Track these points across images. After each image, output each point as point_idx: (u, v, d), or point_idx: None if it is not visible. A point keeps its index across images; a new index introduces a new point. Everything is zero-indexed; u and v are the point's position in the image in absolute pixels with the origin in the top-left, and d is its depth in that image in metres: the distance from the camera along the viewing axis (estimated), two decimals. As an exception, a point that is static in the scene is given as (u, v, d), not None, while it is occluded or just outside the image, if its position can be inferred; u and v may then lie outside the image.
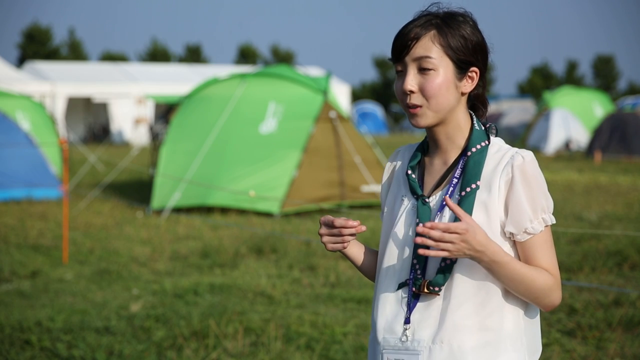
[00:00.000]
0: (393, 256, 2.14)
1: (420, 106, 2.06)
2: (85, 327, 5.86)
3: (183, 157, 12.33)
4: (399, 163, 2.25)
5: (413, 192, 2.14)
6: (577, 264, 7.76)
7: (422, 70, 2.05)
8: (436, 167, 2.15)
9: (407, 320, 2.08)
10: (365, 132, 30.44)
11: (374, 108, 48.20)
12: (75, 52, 61.66)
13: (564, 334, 5.69)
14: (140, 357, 5.28)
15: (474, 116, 2.14)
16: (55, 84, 34.46)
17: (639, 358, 5.18)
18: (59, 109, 34.01)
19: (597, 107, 30.08)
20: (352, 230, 2.12)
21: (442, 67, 2.05)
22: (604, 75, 72.78)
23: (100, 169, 20.45)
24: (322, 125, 12.39)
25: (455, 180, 2.09)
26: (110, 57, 60.99)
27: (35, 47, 60.19)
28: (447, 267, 2.04)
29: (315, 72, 34.91)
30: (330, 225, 2.15)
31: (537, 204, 2.04)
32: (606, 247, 8.48)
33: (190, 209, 11.93)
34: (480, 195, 2.05)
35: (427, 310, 2.06)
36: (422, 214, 2.09)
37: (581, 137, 26.58)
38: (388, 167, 2.29)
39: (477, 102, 2.17)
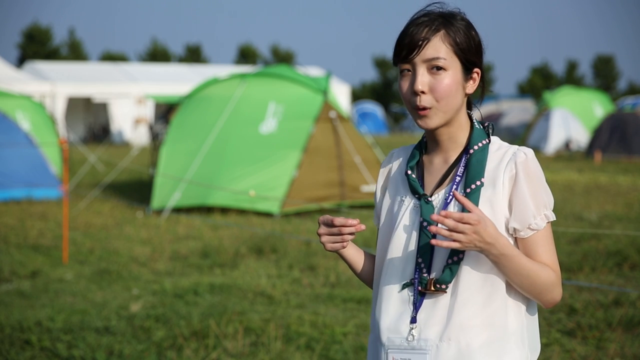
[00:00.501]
0: (396, 256, 2.13)
1: (430, 107, 2.06)
2: (85, 327, 5.86)
3: (183, 157, 12.34)
4: (395, 166, 2.24)
5: (414, 192, 2.13)
6: (577, 264, 7.76)
7: (433, 70, 2.05)
8: (436, 166, 2.15)
9: (413, 320, 2.07)
10: (365, 132, 30.44)
11: (374, 108, 48.21)
12: (75, 52, 61.67)
13: (564, 334, 5.69)
14: (140, 357, 5.28)
15: (472, 116, 2.16)
16: (55, 84, 34.46)
17: (639, 358, 5.18)
18: (59, 109, 34.01)
19: (597, 107, 30.07)
20: (352, 229, 2.11)
21: (452, 67, 2.05)
22: (604, 75, 72.80)
23: (100, 169, 20.45)
24: (322, 125, 12.39)
25: (458, 178, 2.09)
26: (110, 57, 61.00)
27: (35, 47, 60.20)
28: (454, 263, 2.04)
29: (315, 72, 34.91)
30: (330, 225, 2.14)
31: (539, 200, 2.05)
32: (606, 247, 8.48)
33: (190, 209, 11.93)
34: (485, 192, 2.06)
35: (433, 309, 2.06)
36: (425, 213, 2.09)
37: (581, 137, 26.58)
38: (383, 172, 2.27)
39: (469, 103, 2.18)
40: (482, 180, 2.06)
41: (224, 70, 34.71)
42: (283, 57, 67.80)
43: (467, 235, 1.92)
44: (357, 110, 46.52)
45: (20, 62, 57.35)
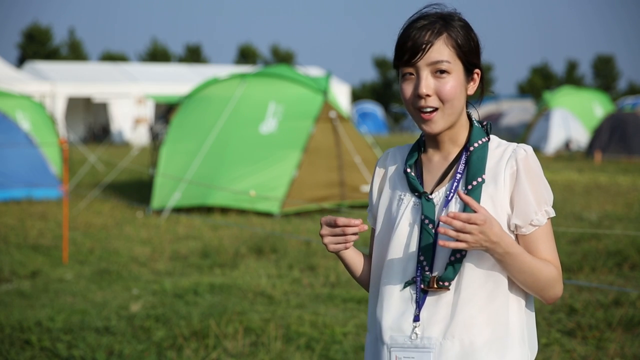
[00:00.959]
0: (397, 255, 2.13)
1: (436, 109, 2.06)
2: (85, 327, 5.86)
3: (183, 157, 12.33)
4: (391, 165, 2.24)
5: (414, 190, 2.13)
6: (577, 264, 7.76)
7: (437, 73, 2.05)
8: (436, 164, 2.15)
9: (416, 318, 2.07)
10: (365, 132, 30.44)
11: (374, 108, 48.21)
12: (75, 52, 61.68)
13: (564, 334, 5.69)
14: (140, 357, 5.28)
15: (471, 114, 2.17)
16: (55, 84, 34.46)
17: (639, 358, 5.18)
18: (59, 109, 34.01)
19: (597, 107, 30.07)
20: (355, 229, 2.10)
21: (456, 70, 2.06)
22: (604, 75, 72.80)
23: (100, 169, 20.45)
24: (322, 125, 12.39)
25: (459, 176, 2.09)
26: (110, 57, 61.01)
27: (35, 47, 60.20)
28: (457, 260, 2.04)
29: (315, 72, 34.91)
30: (333, 225, 2.13)
31: (540, 196, 2.07)
32: (606, 247, 8.48)
33: (190, 209, 11.93)
34: (486, 189, 2.07)
35: (436, 307, 2.06)
36: (427, 210, 2.09)
37: (581, 137, 26.58)
38: (378, 171, 2.26)
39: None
40: (484, 176, 2.06)
41: (224, 70, 34.71)
42: (283, 57, 67.80)
43: (474, 236, 1.92)
44: (357, 110, 46.52)
45: (20, 62, 57.36)
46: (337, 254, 2.21)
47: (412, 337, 2.07)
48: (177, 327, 5.78)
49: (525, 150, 2.08)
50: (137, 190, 15.09)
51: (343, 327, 5.84)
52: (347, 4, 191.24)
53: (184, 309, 6.39)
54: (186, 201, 11.80)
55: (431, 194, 2.12)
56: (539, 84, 69.57)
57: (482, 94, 2.17)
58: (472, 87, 2.12)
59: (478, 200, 2.04)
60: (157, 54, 64.69)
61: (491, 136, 2.15)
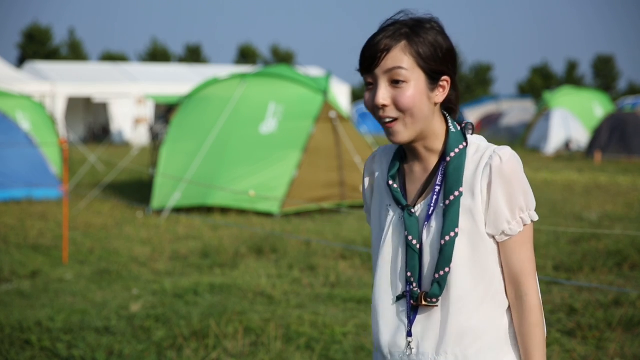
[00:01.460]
0: (387, 269, 2.13)
1: (397, 119, 2.01)
2: (85, 327, 5.86)
3: (183, 157, 12.34)
4: (378, 168, 2.22)
5: (397, 202, 2.11)
6: (577, 264, 7.76)
7: (394, 82, 2.00)
8: (417, 174, 2.12)
9: (409, 333, 2.08)
10: (365, 132, 30.46)
11: (374, 108, 48.14)
12: (75, 52, 61.67)
13: (564, 334, 5.69)
14: (140, 357, 5.28)
15: (448, 118, 2.10)
16: (55, 84, 34.46)
17: (639, 358, 5.18)
18: (59, 109, 34.01)
19: (597, 107, 30.08)
20: None
21: (414, 78, 1.99)
22: (604, 75, 72.79)
23: (100, 169, 20.45)
24: (322, 125, 12.39)
25: (437, 188, 2.06)
26: (110, 57, 61.01)
27: (35, 47, 60.20)
28: (441, 277, 2.03)
29: (315, 72, 34.92)
30: None
31: (514, 203, 2.03)
32: (606, 247, 8.48)
33: (190, 209, 11.93)
34: (464, 201, 2.04)
35: (428, 322, 2.07)
36: (410, 226, 2.07)
37: (581, 137, 26.58)
38: (367, 175, 2.25)
39: (450, 105, 2.12)
40: (461, 189, 2.03)
41: (224, 70, 34.72)
42: (283, 57, 67.79)
43: None
44: (357, 110, 46.49)
45: (20, 62, 57.35)
46: None
47: (407, 352, 2.08)
48: (177, 327, 5.78)
49: (500, 157, 2.02)
50: (137, 190, 15.09)
51: (343, 327, 5.84)
52: (347, 4, 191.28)
53: (184, 309, 6.39)
54: (186, 201, 11.80)
55: (414, 206, 2.09)
56: (539, 84, 69.57)
57: (457, 100, 2.11)
58: (441, 95, 2.04)
59: (457, 214, 2.02)
60: (157, 54, 64.69)
61: (471, 139, 2.09)
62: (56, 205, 12.69)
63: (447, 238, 2.01)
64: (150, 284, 7.41)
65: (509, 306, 2.09)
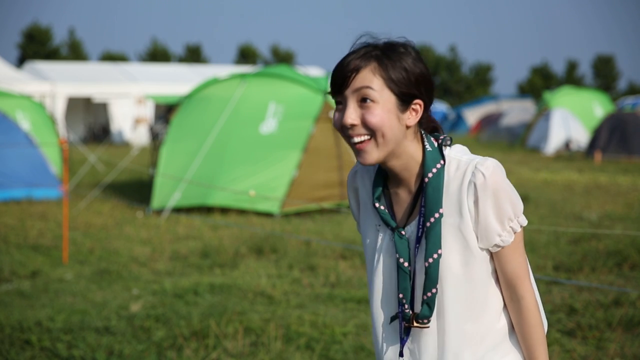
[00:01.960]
0: (380, 289, 2.14)
1: (368, 137, 1.99)
2: (85, 327, 5.86)
3: (183, 157, 12.34)
4: (360, 183, 2.20)
5: (386, 223, 2.10)
6: (577, 264, 7.76)
7: (363, 101, 1.98)
8: (402, 196, 2.10)
9: (401, 354, 2.10)
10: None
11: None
12: (75, 52, 61.67)
13: (564, 334, 5.69)
14: (140, 357, 5.28)
15: (425, 136, 2.07)
16: (55, 84, 34.45)
17: (639, 358, 5.18)
18: (59, 109, 34.00)
19: (597, 107, 30.07)
20: None
21: (383, 99, 1.97)
22: (604, 75, 72.79)
23: (100, 169, 20.45)
24: (322, 125, 12.39)
25: (423, 209, 2.04)
26: (110, 57, 61.00)
27: (35, 47, 60.20)
28: (430, 299, 2.03)
29: (315, 72, 34.90)
30: None
31: (503, 215, 2.02)
32: (606, 247, 8.48)
33: (190, 209, 11.93)
34: (452, 222, 2.03)
35: (424, 342, 2.08)
36: (400, 249, 2.06)
37: (581, 137, 26.58)
38: (351, 192, 2.23)
39: (433, 124, 2.11)
40: (440, 211, 2.01)
41: (224, 70, 34.71)
42: (283, 57, 67.79)
43: None
44: (357, 110, 46.44)
45: (20, 62, 57.34)
46: None
47: None
48: (177, 327, 5.78)
49: (483, 173, 1.99)
50: (137, 190, 15.08)
51: (343, 327, 5.84)
52: (347, 4, 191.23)
53: (184, 309, 6.39)
54: (186, 201, 11.80)
55: (404, 227, 2.09)
56: (539, 84, 69.58)
57: (426, 125, 2.09)
58: (413, 118, 2.02)
59: (438, 236, 2.01)
60: (157, 54, 64.68)
61: (449, 156, 2.05)
62: (56, 205, 12.69)
63: (431, 260, 2.01)
64: (150, 284, 7.41)
65: (505, 305, 2.10)
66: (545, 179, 16.98)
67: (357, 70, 1.98)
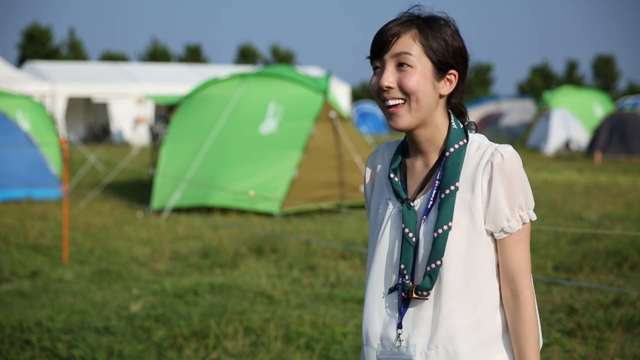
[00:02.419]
0: (382, 261, 2.14)
1: (402, 102, 2.04)
2: (85, 327, 5.87)
3: (183, 157, 12.34)
4: (379, 163, 2.24)
5: (397, 195, 2.13)
6: (577, 264, 7.76)
7: (400, 66, 2.04)
8: (418, 169, 2.14)
9: (399, 325, 2.09)
10: (365, 132, 30.45)
11: (374, 108, 48.19)
12: (75, 52, 61.66)
13: (564, 334, 5.69)
14: (140, 357, 5.28)
15: (452, 115, 2.13)
16: (55, 84, 34.46)
17: (639, 358, 5.18)
18: (59, 109, 34.01)
19: (597, 107, 30.08)
20: None
21: (421, 65, 2.04)
22: (604, 75, 72.77)
23: (100, 169, 20.45)
24: (322, 125, 12.39)
25: (437, 183, 2.08)
26: (110, 57, 60.99)
27: (35, 47, 60.18)
28: (433, 271, 2.04)
29: (315, 72, 34.92)
30: None
31: (514, 201, 2.05)
32: (606, 247, 8.48)
33: (190, 209, 11.93)
34: (464, 197, 2.06)
35: (419, 315, 2.07)
36: (407, 219, 2.09)
37: (581, 137, 26.58)
38: (368, 170, 2.27)
39: (460, 109, 2.16)
40: (457, 184, 2.05)
41: (224, 70, 34.71)
42: (283, 57, 67.78)
43: None
44: (357, 110, 46.51)
45: (20, 62, 57.33)
46: None
47: (397, 344, 2.08)
48: (177, 327, 5.78)
49: (502, 154, 2.05)
50: (137, 190, 15.09)
51: (343, 327, 5.84)
52: (347, 4, 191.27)
53: (184, 309, 6.39)
54: (186, 201, 11.80)
55: (414, 200, 2.11)
56: (539, 84, 69.56)
57: (461, 98, 2.15)
58: (447, 88, 2.08)
59: (451, 209, 2.03)
60: (157, 54, 64.67)
61: (473, 137, 2.12)
62: (56, 205, 12.69)
63: (440, 231, 2.03)
64: (150, 284, 7.41)
65: (501, 304, 2.10)
66: (545, 179, 16.98)
67: (397, 35, 2.04)
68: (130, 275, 7.82)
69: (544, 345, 5.39)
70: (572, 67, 73.91)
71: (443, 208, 2.03)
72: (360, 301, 6.64)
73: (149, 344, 5.49)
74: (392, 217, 2.13)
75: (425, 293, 2.04)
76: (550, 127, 26.38)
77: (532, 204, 2.08)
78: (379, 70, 2.08)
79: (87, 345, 5.45)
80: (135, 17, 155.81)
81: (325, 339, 5.58)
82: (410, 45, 2.03)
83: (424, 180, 2.12)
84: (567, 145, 26.44)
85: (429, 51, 2.04)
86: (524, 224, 2.07)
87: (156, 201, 11.98)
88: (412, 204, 2.10)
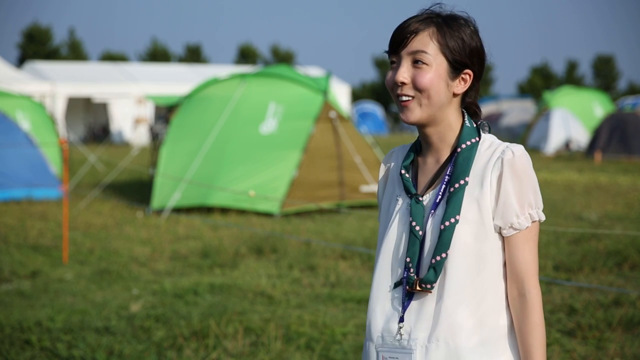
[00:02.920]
0: (388, 255, 2.15)
1: (413, 97, 2.07)
2: (85, 327, 5.87)
3: (183, 157, 12.33)
4: (393, 164, 2.27)
5: (407, 191, 2.15)
6: (577, 264, 7.76)
7: (416, 64, 2.07)
8: (429, 165, 2.16)
9: (401, 319, 2.09)
10: (365, 132, 30.45)
11: (374, 108, 48.21)
12: (75, 52, 61.65)
13: (564, 334, 5.69)
14: (140, 357, 5.28)
15: (466, 114, 2.16)
16: (55, 84, 34.46)
17: (639, 358, 5.18)
18: (59, 109, 34.01)
19: (597, 107, 30.07)
20: None
21: (436, 63, 2.06)
22: (604, 75, 72.77)
23: (100, 169, 20.45)
24: (322, 125, 12.39)
25: (447, 178, 2.10)
26: (110, 57, 60.99)
27: (35, 47, 60.18)
28: (437, 263, 2.05)
29: (315, 72, 34.91)
30: None
31: (524, 199, 2.06)
32: (606, 247, 8.48)
33: (190, 209, 11.93)
34: (472, 192, 2.07)
35: (422, 309, 2.07)
36: (415, 213, 2.10)
37: (581, 137, 26.58)
38: (383, 169, 2.31)
39: (474, 108, 2.19)
40: (467, 179, 2.07)
41: (224, 70, 34.71)
42: (283, 57, 67.78)
43: None
44: (357, 110, 46.52)
45: (20, 62, 57.32)
46: None
47: (397, 338, 2.08)
48: (177, 327, 5.79)
49: (513, 152, 2.07)
50: (137, 190, 15.09)
51: (343, 327, 5.84)
52: (347, 4, 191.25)
53: (184, 309, 6.39)
54: (186, 201, 11.80)
55: (422, 196, 2.13)
56: (539, 84, 69.56)
57: (475, 97, 2.18)
58: (461, 87, 2.11)
59: (459, 203, 2.05)
60: (157, 54, 64.67)
61: (485, 136, 2.15)
62: (56, 205, 12.69)
63: (447, 223, 2.04)
64: (150, 284, 7.41)
65: (507, 306, 2.10)
66: (545, 179, 16.98)
67: (415, 32, 2.08)
68: (130, 275, 7.82)
69: (544, 345, 5.38)
70: (572, 67, 73.91)
71: (451, 201, 2.05)
72: (360, 301, 6.64)
73: (149, 344, 5.49)
74: (401, 211, 2.15)
75: (429, 286, 2.05)
76: (550, 127, 26.38)
77: (541, 204, 2.09)
78: (395, 65, 2.11)
79: (87, 345, 5.45)
80: (135, 17, 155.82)
81: (325, 339, 5.58)
82: (426, 43, 2.06)
83: (434, 176, 2.14)
84: (567, 145, 26.43)
85: (445, 50, 2.06)
86: (533, 222, 2.07)
87: (156, 201, 11.98)
88: (420, 198, 2.12)
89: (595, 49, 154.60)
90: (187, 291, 7.02)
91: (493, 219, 2.06)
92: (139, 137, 34.17)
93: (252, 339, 5.60)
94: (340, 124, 12.54)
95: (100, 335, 5.72)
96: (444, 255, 2.04)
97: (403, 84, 2.07)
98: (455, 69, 2.08)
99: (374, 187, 12.24)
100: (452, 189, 2.06)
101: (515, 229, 2.06)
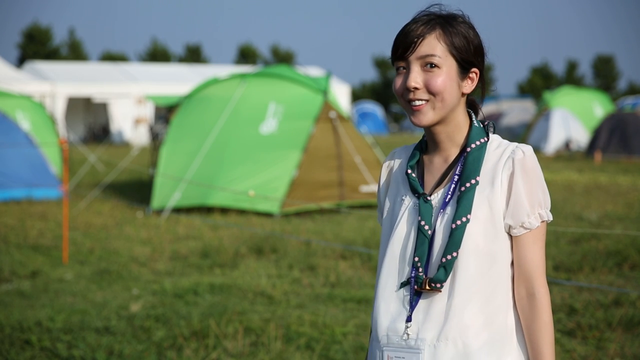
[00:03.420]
0: (394, 255, 2.14)
1: (427, 101, 2.07)
2: (85, 327, 5.86)
3: (183, 157, 12.34)
4: (396, 164, 2.26)
5: (414, 191, 2.15)
6: (577, 264, 7.76)
7: (427, 67, 2.07)
8: (436, 165, 2.16)
9: (408, 319, 2.08)
10: (365, 132, 30.44)
11: (374, 108, 48.22)
12: (75, 52, 61.66)
13: (564, 334, 5.69)
14: (140, 357, 5.28)
15: (472, 114, 2.17)
16: (55, 84, 34.46)
17: (639, 358, 5.18)
18: (59, 109, 34.01)
19: (597, 107, 30.06)
20: None
21: (447, 65, 2.07)
22: (604, 75, 72.79)
23: (100, 169, 20.45)
24: (322, 125, 12.39)
25: (456, 177, 2.11)
26: (110, 57, 61.00)
27: (35, 47, 60.19)
28: (448, 262, 2.04)
29: (315, 72, 34.91)
30: None
31: (534, 198, 2.07)
32: (606, 247, 8.48)
33: (190, 209, 11.93)
34: (483, 191, 2.07)
35: (430, 308, 2.07)
36: (424, 212, 2.10)
37: (581, 137, 26.58)
38: (385, 169, 2.30)
39: (474, 105, 2.20)
40: (477, 178, 2.07)
41: (224, 70, 34.72)
42: (283, 57, 67.79)
43: None
44: (357, 110, 46.53)
45: (20, 62, 57.33)
46: None
47: (404, 337, 2.08)
48: (177, 327, 5.78)
49: (523, 152, 2.08)
50: (137, 190, 15.09)
51: (343, 327, 5.84)
52: (347, 4, 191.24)
53: (184, 309, 6.39)
54: (186, 201, 11.80)
55: (430, 195, 2.13)
56: (539, 84, 69.57)
57: (482, 95, 2.19)
58: (469, 86, 2.12)
59: (470, 202, 2.05)
60: (157, 54, 64.68)
61: (493, 136, 2.16)
62: (56, 205, 12.69)
63: (459, 222, 2.04)
64: (150, 284, 7.41)
65: (514, 306, 2.10)
66: (545, 179, 16.91)
67: (422, 36, 2.07)
68: (130, 275, 7.82)
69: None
70: (572, 67, 73.92)
71: (462, 201, 2.05)
72: (361, 301, 6.64)
73: (149, 344, 5.49)
74: (408, 211, 2.14)
75: (438, 285, 2.04)
76: (550, 127, 26.38)
77: (549, 204, 2.10)
78: (403, 70, 2.10)
79: (87, 345, 5.45)
80: (135, 17, 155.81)
81: (325, 339, 5.58)
82: (435, 46, 2.06)
83: (442, 175, 2.14)
84: (567, 145, 26.43)
85: (453, 50, 2.07)
86: (542, 222, 2.08)
87: (156, 201, 11.98)
88: (429, 197, 2.12)
89: (595, 49, 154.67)
90: (187, 291, 7.02)
91: (504, 218, 2.07)
92: (139, 137, 34.17)
93: (252, 339, 5.60)
94: (340, 124, 12.54)
95: (100, 335, 5.72)
96: (454, 254, 2.04)
97: (416, 89, 2.07)
98: (464, 68, 2.09)
99: (374, 187, 12.24)
100: (462, 189, 2.07)
101: (525, 229, 2.07)
